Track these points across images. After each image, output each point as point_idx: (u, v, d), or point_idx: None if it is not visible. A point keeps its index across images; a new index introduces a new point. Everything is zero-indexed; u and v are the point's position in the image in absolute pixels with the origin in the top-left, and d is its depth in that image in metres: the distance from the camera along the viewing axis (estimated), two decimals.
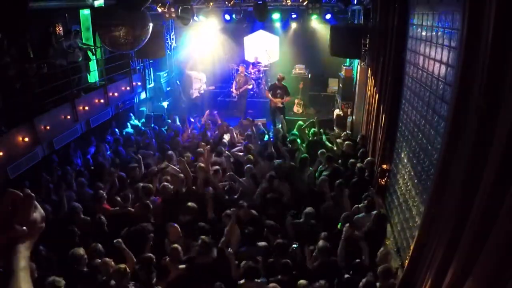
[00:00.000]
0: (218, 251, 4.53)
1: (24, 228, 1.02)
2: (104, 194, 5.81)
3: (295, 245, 4.69)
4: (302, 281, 4.02)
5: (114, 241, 4.45)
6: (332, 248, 4.54)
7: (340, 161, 7.32)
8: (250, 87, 12.14)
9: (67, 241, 4.73)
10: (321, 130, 8.77)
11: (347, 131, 9.60)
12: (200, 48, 13.64)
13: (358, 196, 5.80)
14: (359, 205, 5.61)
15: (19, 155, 6.28)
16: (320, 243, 4.52)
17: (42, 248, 4.42)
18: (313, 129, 8.98)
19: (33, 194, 1.05)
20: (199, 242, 4.47)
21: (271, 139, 8.28)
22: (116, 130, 9.59)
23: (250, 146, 7.42)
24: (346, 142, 8.11)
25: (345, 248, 4.48)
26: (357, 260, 4.41)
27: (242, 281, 4.19)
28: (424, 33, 4.94)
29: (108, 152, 8.31)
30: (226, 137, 8.65)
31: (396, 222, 5.62)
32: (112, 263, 4.26)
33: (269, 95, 10.65)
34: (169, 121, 10.61)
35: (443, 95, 4.05)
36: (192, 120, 10.29)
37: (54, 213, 5.50)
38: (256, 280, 4.17)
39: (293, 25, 13.16)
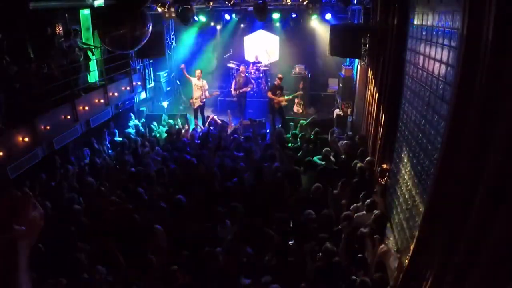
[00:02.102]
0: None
1: (23, 228, 1.02)
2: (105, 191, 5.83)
3: (291, 242, 4.70)
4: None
5: (104, 242, 4.44)
6: (336, 250, 4.55)
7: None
8: (249, 89, 12.12)
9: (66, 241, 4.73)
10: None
11: (349, 132, 9.58)
12: (200, 49, 13.66)
13: (358, 195, 5.81)
14: (358, 204, 5.63)
15: (19, 155, 6.28)
16: (326, 245, 4.52)
17: (41, 246, 4.42)
18: (316, 128, 9.00)
19: (31, 193, 1.05)
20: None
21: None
22: (116, 130, 9.60)
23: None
24: (345, 142, 8.11)
25: (347, 245, 4.49)
26: (360, 255, 4.43)
27: (248, 282, 4.18)
28: (424, 33, 4.94)
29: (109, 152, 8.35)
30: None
31: (396, 222, 5.61)
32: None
33: (271, 95, 10.69)
34: (171, 121, 10.61)
35: (443, 95, 4.05)
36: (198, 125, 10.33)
37: (53, 209, 5.53)
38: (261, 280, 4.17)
39: (293, 25, 13.15)
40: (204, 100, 11.13)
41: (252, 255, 4.62)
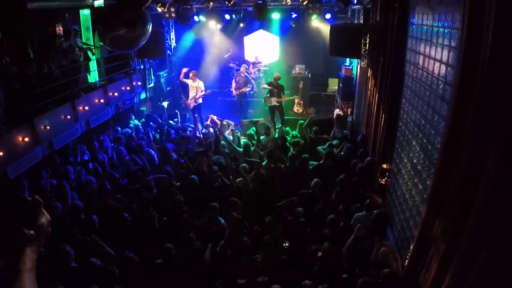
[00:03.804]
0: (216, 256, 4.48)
1: (32, 232, 1.05)
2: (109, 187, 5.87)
3: (286, 244, 4.69)
4: (307, 282, 4.00)
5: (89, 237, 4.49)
6: (335, 249, 4.54)
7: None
8: (248, 89, 12.12)
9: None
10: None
11: (344, 131, 9.57)
12: (200, 48, 13.66)
13: (358, 196, 5.81)
14: (358, 205, 5.63)
15: (19, 155, 6.28)
16: (325, 244, 4.53)
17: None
18: (314, 127, 9.00)
19: (41, 200, 1.07)
20: (192, 247, 4.42)
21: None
22: (119, 128, 9.61)
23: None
24: (346, 145, 8.08)
25: (351, 248, 4.49)
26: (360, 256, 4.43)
27: (243, 281, 4.19)
28: (424, 33, 4.94)
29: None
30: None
31: (396, 222, 5.61)
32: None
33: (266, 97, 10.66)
34: (171, 122, 10.61)
35: (443, 95, 4.05)
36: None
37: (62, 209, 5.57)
38: (258, 279, 4.17)
39: (293, 25, 13.16)
40: (199, 100, 11.13)
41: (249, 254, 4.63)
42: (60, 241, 4.61)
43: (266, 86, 10.67)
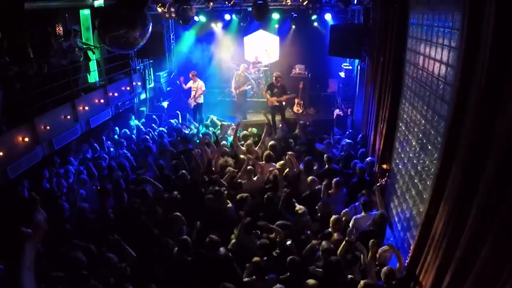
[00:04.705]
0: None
1: (29, 230, 1.06)
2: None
3: (289, 242, 4.68)
4: (311, 281, 4.00)
5: (111, 237, 4.44)
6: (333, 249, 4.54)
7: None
8: (247, 88, 12.12)
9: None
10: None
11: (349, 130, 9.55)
12: (200, 48, 13.67)
13: (358, 196, 5.80)
14: (355, 205, 5.62)
15: (19, 155, 6.28)
16: (324, 244, 4.53)
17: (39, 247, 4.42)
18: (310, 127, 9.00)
19: (37, 197, 1.08)
20: (207, 240, 4.47)
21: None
22: (117, 128, 9.60)
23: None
24: (347, 142, 8.07)
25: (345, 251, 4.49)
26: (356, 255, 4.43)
27: (248, 279, 4.21)
28: (424, 33, 4.94)
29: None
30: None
31: (396, 222, 5.62)
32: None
33: (267, 95, 10.55)
34: (172, 121, 10.60)
35: (443, 95, 4.06)
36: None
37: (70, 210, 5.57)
38: (265, 277, 4.19)
39: (293, 25, 13.17)
40: (199, 99, 11.15)
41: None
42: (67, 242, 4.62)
43: (267, 96, 10.47)
